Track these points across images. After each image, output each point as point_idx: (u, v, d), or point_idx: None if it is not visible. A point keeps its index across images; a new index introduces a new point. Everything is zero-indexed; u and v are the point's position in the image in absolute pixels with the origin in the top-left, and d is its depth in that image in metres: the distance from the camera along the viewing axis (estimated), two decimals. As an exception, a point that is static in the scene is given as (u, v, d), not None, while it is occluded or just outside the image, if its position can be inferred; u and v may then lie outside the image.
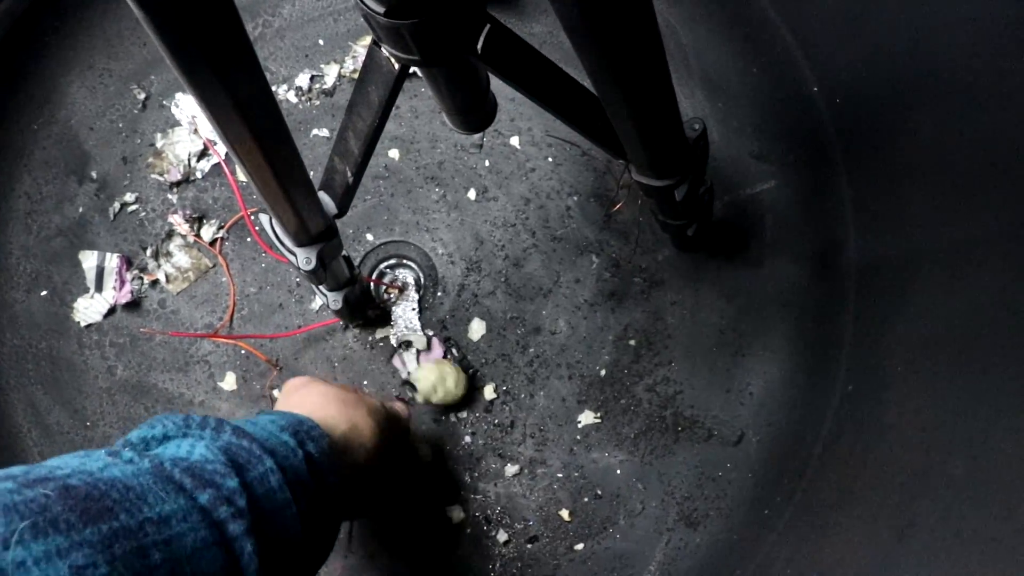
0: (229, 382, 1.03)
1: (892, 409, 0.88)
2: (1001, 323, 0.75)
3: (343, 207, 0.79)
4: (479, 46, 0.63)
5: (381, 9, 0.56)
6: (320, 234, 0.78)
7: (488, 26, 0.63)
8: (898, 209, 0.93)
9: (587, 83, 0.71)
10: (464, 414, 1.02)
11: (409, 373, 1.00)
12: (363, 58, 1.07)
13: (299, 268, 0.79)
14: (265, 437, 0.64)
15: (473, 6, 0.61)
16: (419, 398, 0.99)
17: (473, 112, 0.78)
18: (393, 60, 0.65)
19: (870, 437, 0.90)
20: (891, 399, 0.88)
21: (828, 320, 1.01)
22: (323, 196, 0.78)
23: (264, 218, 0.80)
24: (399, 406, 0.93)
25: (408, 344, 1.02)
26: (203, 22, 0.46)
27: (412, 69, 0.67)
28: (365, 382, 1.03)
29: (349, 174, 0.76)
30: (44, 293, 1.05)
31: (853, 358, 0.97)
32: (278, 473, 0.60)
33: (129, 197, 1.07)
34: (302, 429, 0.69)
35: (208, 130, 1.07)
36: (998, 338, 0.75)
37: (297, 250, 0.78)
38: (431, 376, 0.97)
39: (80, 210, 1.07)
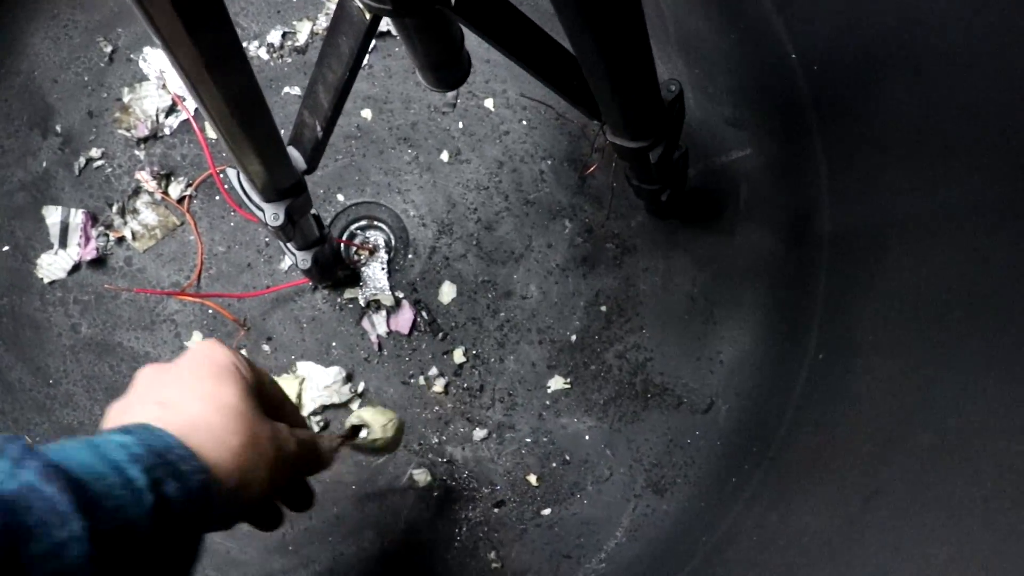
0: (196, 341, 1.02)
1: (861, 378, 0.88)
2: (971, 294, 0.75)
3: (312, 163, 0.77)
4: (453, -2, 0.62)
5: (351, -45, 0.54)
6: (288, 189, 0.77)
7: (462, -24, 0.62)
8: (872, 179, 0.93)
9: (563, 41, 0.70)
10: (433, 373, 1.01)
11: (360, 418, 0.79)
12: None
13: (267, 224, 0.78)
14: (95, 475, 0.46)
15: (447, -45, 0.60)
16: (370, 437, 0.79)
17: (446, 68, 0.77)
18: (364, 10, 0.64)
19: (839, 405, 0.90)
20: (861, 368, 0.89)
21: (800, 289, 1.01)
22: (292, 151, 0.77)
23: (232, 173, 0.78)
24: (324, 443, 0.71)
25: (377, 304, 1.01)
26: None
27: (386, 24, 0.66)
28: (334, 343, 1.02)
29: (319, 128, 0.74)
30: (6, 248, 1.03)
31: (824, 327, 0.97)
32: (84, 544, 0.43)
33: (95, 152, 1.05)
34: (167, 460, 0.50)
35: (177, 86, 1.05)
36: (968, 308, 0.75)
37: (265, 206, 0.77)
38: (380, 419, 0.79)
39: (44, 164, 1.04)
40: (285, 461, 0.60)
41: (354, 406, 1.01)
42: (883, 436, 0.80)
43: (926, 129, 0.84)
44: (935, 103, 0.82)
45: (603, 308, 1.03)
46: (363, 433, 0.77)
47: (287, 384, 0.99)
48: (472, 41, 0.72)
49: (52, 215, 1.02)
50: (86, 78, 1.06)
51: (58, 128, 1.05)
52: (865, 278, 0.93)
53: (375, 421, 0.78)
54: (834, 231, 0.99)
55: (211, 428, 0.55)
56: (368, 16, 0.64)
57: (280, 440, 0.61)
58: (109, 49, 1.06)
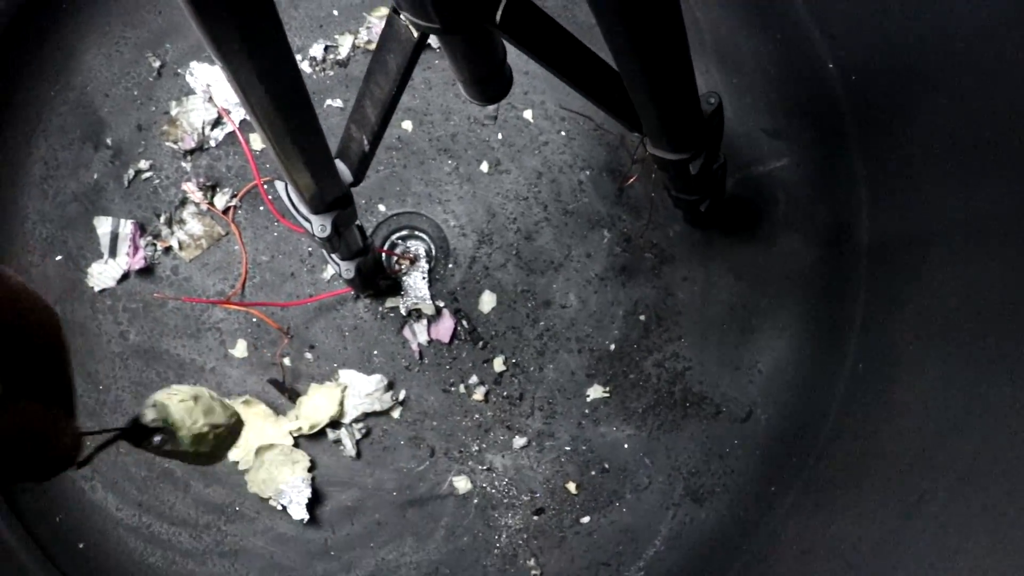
0: (240, 349, 1.04)
1: (902, 387, 0.88)
2: (1012, 303, 0.75)
3: (359, 175, 0.79)
4: (498, 15, 0.63)
5: (403, -26, 0.56)
6: (335, 201, 0.78)
7: (508, -4, 0.63)
8: (912, 188, 0.93)
9: (604, 56, 0.72)
10: (473, 382, 1.02)
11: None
12: (377, 29, 1.08)
13: (314, 235, 0.79)
14: None
15: (492, -26, 0.61)
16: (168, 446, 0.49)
17: (489, 82, 0.78)
18: (412, 28, 0.65)
19: (880, 415, 0.90)
20: (901, 377, 0.88)
21: (839, 298, 1.01)
22: (339, 164, 0.78)
23: (280, 185, 0.80)
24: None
25: (418, 313, 1.03)
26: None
27: (430, 38, 0.67)
28: (375, 352, 1.03)
29: (365, 142, 0.76)
30: (59, 258, 1.06)
31: (864, 336, 0.97)
32: None
33: (143, 164, 1.07)
34: None
35: (223, 99, 1.07)
36: (1009, 318, 0.75)
37: (312, 217, 0.79)
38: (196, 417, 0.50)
39: (95, 176, 1.07)
40: None
41: (395, 414, 1.02)
42: (924, 445, 0.80)
43: (965, 139, 0.84)
44: (974, 113, 0.82)
45: (642, 317, 1.03)
46: (157, 438, 0.48)
47: (330, 392, 1.01)
48: (510, 53, 0.73)
49: (103, 225, 1.05)
50: (136, 92, 1.09)
51: (109, 141, 1.07)
52: (905, 288, 0.93)
53: (182, 420, 0.49)
54: (873, 241, 0.99)
55: None
56: (416, 34, 0.66)
57: None
58: (158, 64, 1.09)
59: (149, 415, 0.47)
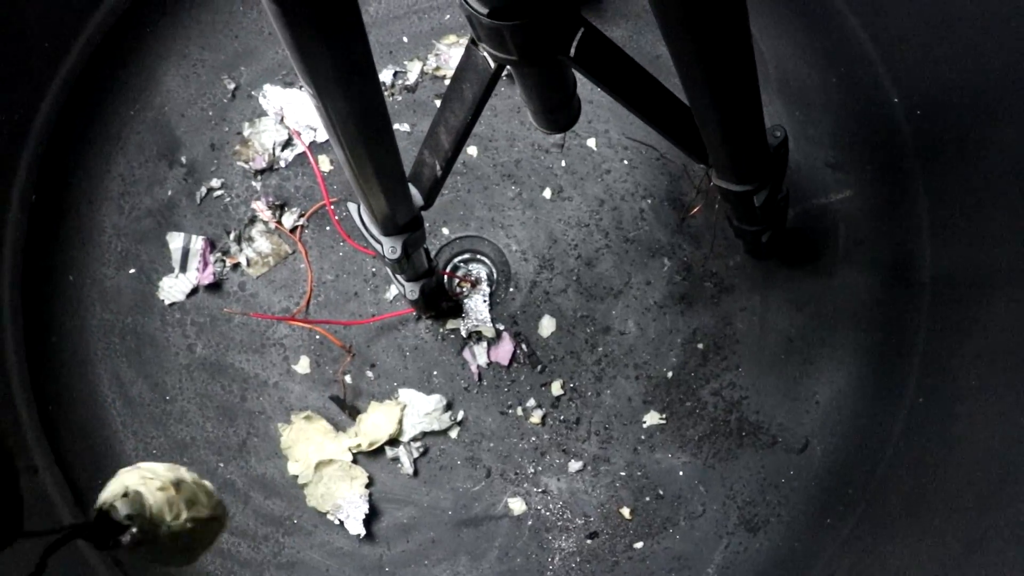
0: (303, 365, 1.06)
1: (963, 422, 0.87)
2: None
3: (430, 199, 0.81)
4: (573, 48, 0.65)
5: (485, 10, 0.58)
6: (407, 224, 0.80)
7: (582, 30, 0.65)
8: (977, 222, 0.93)
9: (670, 86, 0.73)
10: (531, 405, 1.03)
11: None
12: (445, 56, 1.10)
13: (384, 256, 0.81)
14: None
15: (569, 10, 0.63)
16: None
17: (559, 112, 0.80)
18: (490, 59, 0.68)
19: (940, 449, 0.90)
20: (963, 412, 0.88)
21: (899, 332, 1.01)
22: (411, 188, 0.81)
23: (353, 207, 0.82)
24: None
25: (479, 336, 1.04)
26: (332, 25, 0.48)
27: (505, 69, 0.70)
28: (435, 372, 1.05)
29: (438, 168, 0.78)
30: (132, 271, 1.09)
31: (924, 370, 0.97)
32: None
33: (215, 182, 1.10)
34: None
35: (294, 120, 1.10)
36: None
37: (384, 239, 0.81)
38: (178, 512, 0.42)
39: (169, 193, 1.10)
40: None
41: (453, 434, 1.04)
42: (986, 482, 0.79)
43: (1033, 175, 0.84)
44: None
45: (700, 346, 1.04)
46: (127, 537, 0.39)
47: (389, 410, 1.03)
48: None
49: (175, 240, 1.08)
50: (210, 113, 1.12)
51: (183, 159, 1.11)
52: (967, 322, 0.93)
53: (161, 513, 0.40)
54: (935, 274, 0.99)
55: None
56: (493, 65, 0.68)
57: None
58: (232, 86, 1.12)
59: (122, 509, 0.37)
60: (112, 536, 0.37)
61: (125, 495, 0.38)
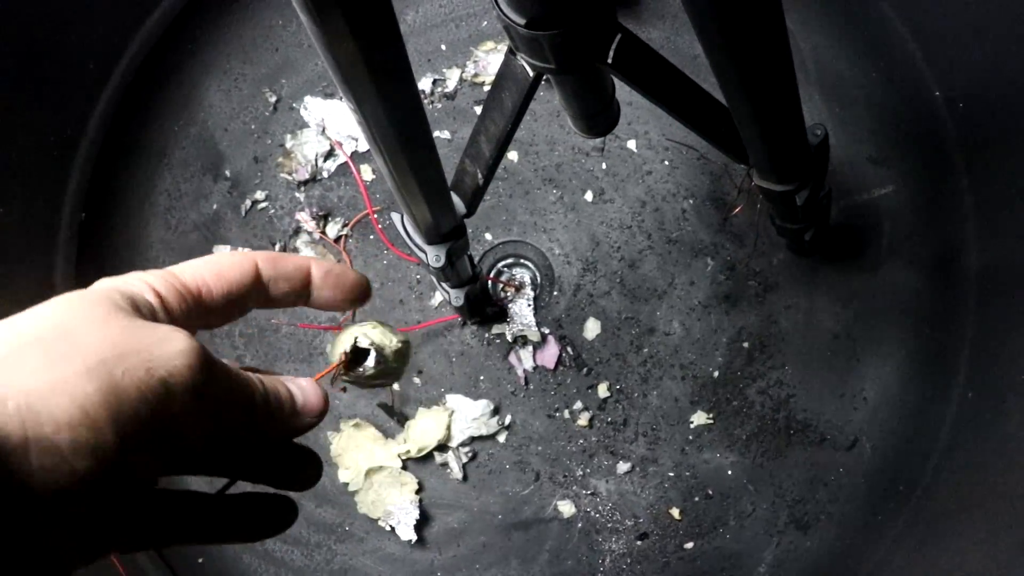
0: (351, 374, 1.07)
1: (1014, 417, 0.87)
2: None
3: (472, 207, 0.82)
4: (610, 55, 0.65)
5: (522, 21, 0.59)
6: (450, 232, 0.81)
7: (619, 36, 0.65)
8: (1022, 214, 0.92)
9: (708, 87, 0.73)
10: (578, 407, 1.04)
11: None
12: (484, 63, 1.11)
13: (428, 265, 0.82)
14: None
15: (607, 17, 0.64)
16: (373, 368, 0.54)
17: (598, 117, 0.80)
18: (528, 68, 0.68)
19: (990, 446, 0.89)
20: (1013, 408, 0.87)
21: (947, 327, 1.00)
22: (453, 196, 0.81)
23: (396, 217, 0.83)
24: (280, 387, 0.41)
25: (524, 340, 1.05)
26: (369, 35, 0.49)
27: (544, 76, 0.70)
28: (482, 377, 1.06)
29: (479, 176, 0.79)
30: (181, 285, 1.10)
31: (973, 365, 0.96)
32: None
33: (260, 195, 1.12)
34: None
35: (335, 131, 1.11)
36: None
37: (427, 248, 0.82)
38: (391, 337, 0.59)
39: (214, 207, 1.12)
40: (152, 370, 0.32)
41: (501, 438, 1.04)
42: (1040, 478, 0.79)
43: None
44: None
45: (745, 345, 1.04)
46: (370, 361, 0.51)
47: (437, 416, 1.04)
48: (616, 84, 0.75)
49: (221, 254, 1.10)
50: (253, 126, 1.14)
51: (227, 173, 1.13)
52: (1017, 315, 0.92)
53: (383, 340, 0.56)
54: (982, 268, 0.98)
55: None
56: (531, 74, 0.68)
57: (136, 337, 0.33)
58: (274, 99, 1.14)
59: (362, 342, 0.52)
60: (358, 364, 0.50)
61: (355, 337, 0.52)
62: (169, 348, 0.33)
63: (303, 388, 0.42)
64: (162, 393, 0.32)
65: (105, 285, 0.37)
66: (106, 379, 0.30)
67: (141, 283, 0.38)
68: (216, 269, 0.41)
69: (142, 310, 0.36)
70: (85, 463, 0.29)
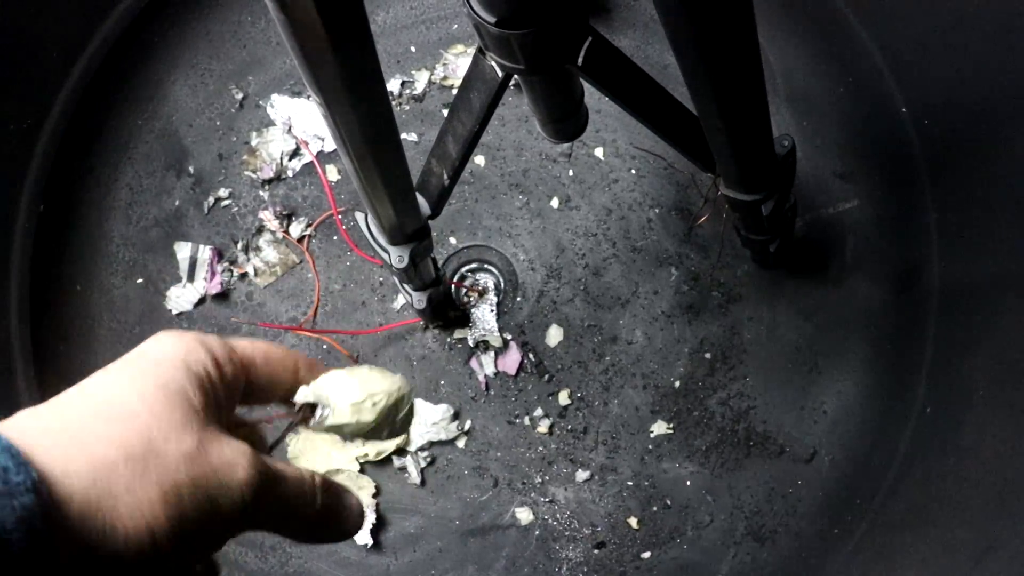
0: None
1: (972, 432, 0.87)
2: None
3: (437, 208, 0.81)
4: (580, 57, 0.65)
5: (492, 19, 0.58)
6: (414, 233, 0.80)
7: (590, 38, 0.65)
8: (985, 232, 0.93)
9: (677, 95, 0.73)
10: (538, 414, 1.03)
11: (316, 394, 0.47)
12: (453, 66, 1.11)
13: (391, 266, 0.82)
14: None
15: (577, 19, 0.64)
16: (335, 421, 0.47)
17: (567, 121, 0.80)
18: (497, 68, 0.68)
19: (947, 460, 0.90)
20: (970, 422, 0.88)
21: (907, 342, 1.01)
22: (418, 197, 0.81)
23: (360, 216, 0.83)
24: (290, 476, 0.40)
25: (486, 345, 1.04)
26: (340, 34, 0.48)
27: (513, 78, 0.70)
28: (442, 382, 1.05)
29: (446, 177, 0.78)
30: (140, 280, 1.09)
31: (932, 380, 0.97)
32: None
33: (223, 192, 1.10)
34: None
35: (301, 130, 1.11)
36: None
37: (391, 248, 0.81)
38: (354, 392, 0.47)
39: (177, 203, 1.11)
40: (213, 496, 0.35)
41: (460, 444, 1.04)
42: (994, 492, 0.79)
43: (1042, 185, 0.84)
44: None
45: (707, 355, 1.04)
46: (319, 413, 0.46)
47: (397, 419, 1.03)
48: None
49: (182, 250, 1.08)
50: (218, 123, 1.12)
51: (191, 169, 1.11)
52: (977, 333, 0.92)
53: (340, 396, 0.47)
54: (944, 284, 0.99)
55: (66, 426, 0.34)
56: (500, 74, 0.68)
57: (206, 462, 0.36)
58: (240, 96, 1.13)
59: (301, 394, 0.46)
60: (305, 419, 0.46)
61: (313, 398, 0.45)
62: (234, 478, 0.36)
63: (352, 508, 0.44)
64: (221, 521, 0.36)
65: (173, 356, 0.39)
66: (175, 507, 0.34)
67: (206, 355, 0.40)
68: (263, 356, 0.44)
69: (207, 396, 0.38)
70: (140, 526, 0.33)
